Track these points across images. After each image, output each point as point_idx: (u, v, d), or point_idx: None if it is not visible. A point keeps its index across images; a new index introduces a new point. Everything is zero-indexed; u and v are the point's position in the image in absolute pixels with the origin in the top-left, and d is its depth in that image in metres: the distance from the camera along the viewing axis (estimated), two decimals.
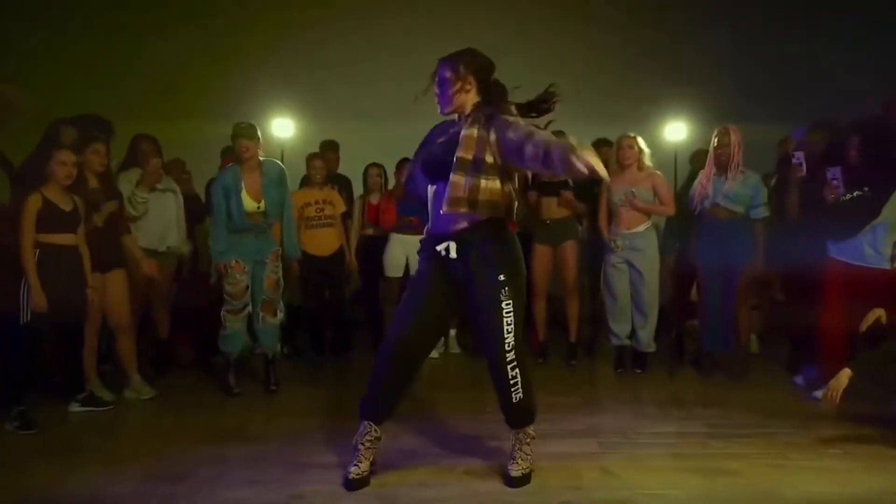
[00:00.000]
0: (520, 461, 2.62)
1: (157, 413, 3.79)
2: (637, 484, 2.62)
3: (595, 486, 2.61)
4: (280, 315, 4.21)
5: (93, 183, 3.78)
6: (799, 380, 4.18)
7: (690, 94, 5.92)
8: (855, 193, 3.73)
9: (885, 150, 3.72)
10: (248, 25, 6.61)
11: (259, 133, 4.07)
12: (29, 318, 3.34)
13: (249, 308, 4.06)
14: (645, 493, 2.53)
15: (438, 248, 2.53)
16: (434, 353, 5.21)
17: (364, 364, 4.79)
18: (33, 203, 3.37)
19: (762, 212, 4.37)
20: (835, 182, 3.74)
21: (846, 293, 3.71)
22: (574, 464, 2.83)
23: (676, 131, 5.89)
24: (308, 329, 5.34)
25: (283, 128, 5.66)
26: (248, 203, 3.96)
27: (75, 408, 3.62)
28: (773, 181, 4.76)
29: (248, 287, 4.03)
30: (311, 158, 5.19)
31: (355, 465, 2.57)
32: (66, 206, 3.50)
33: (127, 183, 4.14)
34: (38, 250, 3.38)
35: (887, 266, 3.62)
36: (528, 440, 2.66)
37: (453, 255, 2.52)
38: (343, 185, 5.56)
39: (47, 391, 3.66)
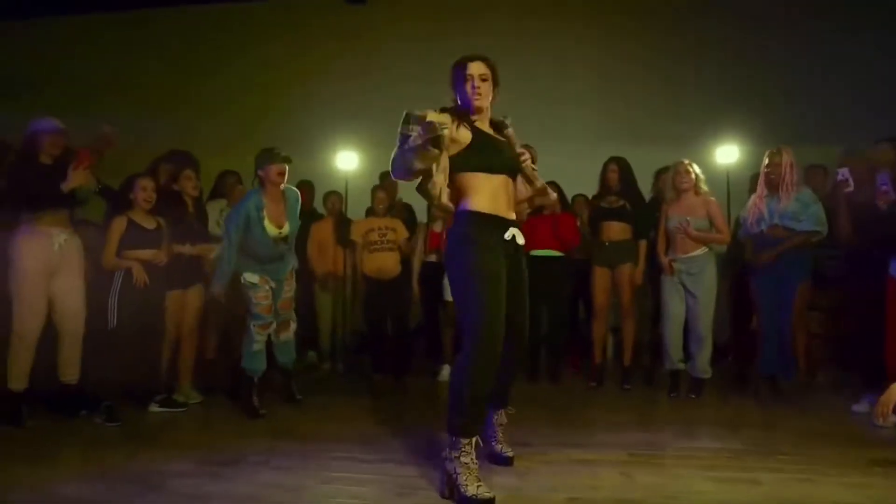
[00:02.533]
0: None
1: (217, 415, 4.12)
2: (652, 487, 2.64)
3: (609, 487, 2.65)
4: (293, 326, 4.33)
5: (191, 207, 4.35)
6: (859, 407, 4.00)
7: (742, 116, 5.84)
8: None
9: None
10: (308, 51, 7.13)
11: None
12: (115, 323, 3.81)
13: (275, 324, 4.17)
14: (658, 495, 2.55)
15: (507, 235, 2.68)
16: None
17: (423, 386, 5.08)
18: (120, 224, 3.92)
19: (808, 225, 4.27)
20: (884, 187, 3.63)
21: None
22: (597, 468, 2.88)
23: (728, 154, 5.79)
24: (370, 351, 5.63)
25: (347, 160, 6.07)
26: (271, 229, 4.00)
27: (154, 408, 4.04)
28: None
29: (272, 301, 4.11)
30: (374, 190, 5.58)
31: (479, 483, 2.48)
32: (150, 225, 4.02)
33: (213, 211, 4.68)
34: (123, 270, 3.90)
35: None
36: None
37: (521, 241, 2.75)
38: (406, 213, 5.88)
39: (131, 393, 4.09)
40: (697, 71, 6.48)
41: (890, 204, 3.68)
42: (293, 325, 4.34)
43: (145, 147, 4.94)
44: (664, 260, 4.70)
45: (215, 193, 4.93)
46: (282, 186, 4.07)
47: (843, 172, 3.99)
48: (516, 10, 6.74)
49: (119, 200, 4.11)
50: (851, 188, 3.84)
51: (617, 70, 6.59)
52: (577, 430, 3.63)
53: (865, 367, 4.14)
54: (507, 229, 2.70)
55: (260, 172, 4.02)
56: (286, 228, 4.10)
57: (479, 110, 2.75)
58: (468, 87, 2.71)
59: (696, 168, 4.66)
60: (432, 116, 2.54)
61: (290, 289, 4.26)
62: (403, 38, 6.89)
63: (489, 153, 2.71)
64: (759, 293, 4.47)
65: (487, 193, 2.67)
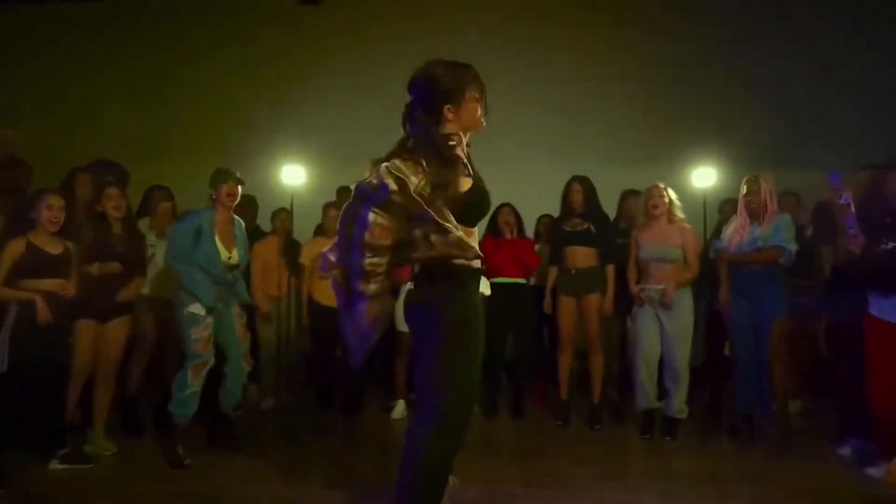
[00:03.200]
0: None
1: (132, 470, 3.56)
2: None
3: None
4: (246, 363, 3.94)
5: (116, 229, 3.77)
6: (845, 451, 3.73)
7: (720, 138, 5.56)
8: (890, 245, 3.33)
9: None
10: (254, 69, 6.61)
11: None
12: (6, 366, 3.23)
13: (212, 362, 3.70)
14: None
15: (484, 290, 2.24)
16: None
17: (375, 424, 4.62)
18: (15, 248, 3.34)
19: (784, 243, 4.00)
20: (851, 230, 3.39)
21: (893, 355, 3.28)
22: None
23: (705, 176, 5.48)
24: (316, 384, 5.13)
25: (293, 175, 5.55)
26: (222, 251, 3.71)
27: (55, 465, 3.45)
28: (810, 231, 4.43)
29: (211, 336, 3.69)
30: (327, 207, 5.12)
31: None
32: (55, 250, 3.44)
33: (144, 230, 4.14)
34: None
35: None
36: None
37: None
38: None
39: (25, 446, 3.49)
40: (672, 90, 6.18)
41: (862, 247, 3.40)
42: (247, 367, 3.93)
43: (73, 157, 4.44)
44: (635, 290, 4.36)
45: (142, 211, 4.35)
46: (231, 210, 3.82)
47: (846, 196, 3.71)
48: (484, 14, 6.33)
49: (19, 220, 3.52)
50: (853, 213, 3.54)
51: (588, 86, 6.25)
52: (540, 489, 3.21)
53: (846, 407, 3.88)
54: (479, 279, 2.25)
55: (212, 192, 3.77)
56: (235, 255, 3.81)
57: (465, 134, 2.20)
58: (479, 110, 2.16)
59: (672, 193, 4.36)
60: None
61: (240, 314, 3.90)
62: (360, 42, 6.40)
63: (486, 202, 2.18)
64: (735, 328, 4.19)
65: (475, 242, 2.18)
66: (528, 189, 5.11)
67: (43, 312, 3.35)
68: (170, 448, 3.56)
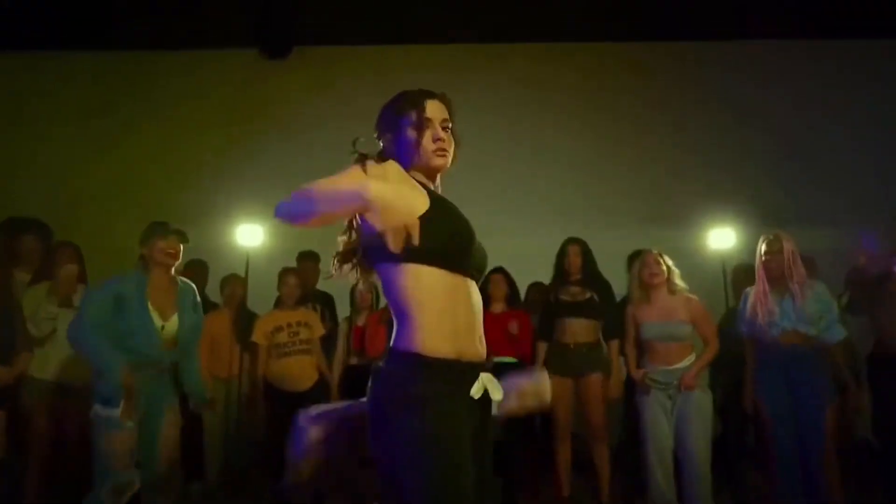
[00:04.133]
0: None
1: None
2: None
3: None
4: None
5: None
6: None
7: (733, 192, 5.12)
8: None
9: None
10: (208, 124, 6.09)
11: None
12: None
13: (137, 484, 2.86)
14: None
15: (475, 392, 1.63)
16: None
17: None
18: None
19: (840, 332, 3.48)
20: None
21: None
22: None
23: (723, 238, 4.90)
24: (271, 484, 4.35)
25: (249, 235, 4.92)
26: (156, 317, 2.94)
27: None
28: (845, 300, 3.91)
29: (134, 448, 2.84)
30: (284, 274, 4.46)
31: None
32: None
33: (33, 298, 3.37)
34: None
35: None
36: None
37: (497, 396, 1.67)
38: (324, 303, 4.77)
39: None
40: (685, 147, 5.76)
41: None
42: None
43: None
44: (638, 375, 3.77)
45: (40, 275, 3.58)
46: (172, 271, 3.06)
47: None
48: (464, 65, 5.92)
49: None
50: None
51: (594, 145, 5.82)
52: None
53: None
54: (475, 378, 1.63)
55: (143, 251, 3.02)
56: (173, 322, 3.00)
57: (437, 172, 1.79)
58: (426, 138, 1.74)
59: (668, 259, 3.83)
60: (375, 185, 1.54)
61: (173, 423, 3.01)
62: (326, 98, 5.93)
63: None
64: (775, 422, 3.54)
65: (447, 312, 1.60)
66: (522, 253, 4.54)
67: None
68: None
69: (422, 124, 1.73)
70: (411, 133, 1.74)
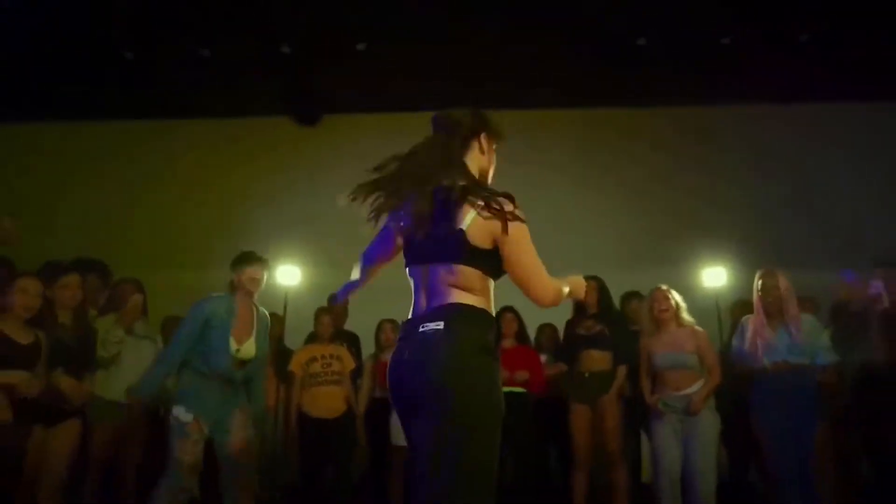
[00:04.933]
0: None
1: None
2: None
3: None
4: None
5: (64, 318, 3.41)
6: None
7: (730, 233, 5.54)
8: None
9: None
10: (251, 170, 6.63)
11: None
12: None
13: (193, 492, 3.20)
14: None
15: None
16: None
17: None
18: None
19: (830, 356, 3.82)
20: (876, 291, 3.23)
21: None
22: None
23: (716, 276, 5.33)
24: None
25: (288, 275, 5.33)
26: (232, 343, 3.31)
27: None
28: (829, 332, 4.23)
29: (199, 461, 3.19)
30: (319, 313, 4.86)
31: None
32: (24, 340, 3.11)
33: (102, 325, 3.78)
34: None
35: None
36: None
37: None
38: (351, 342, 5.13)
39: None
40: (679, 189, 6.25)
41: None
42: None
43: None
44: (653, 401, 4.05)
45: (108, 306, 4.02)
46: (255, 297, 3.49)
47: (877, 286, 3.61)
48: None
49: None
50: (886, 304, 3.37)
51: (590, 188, 6.31)
52: None
53: None
54: None
55: (234, 277, 3.47)
56: (248, 348, 3.37)
57: None
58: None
59: (676, 295, 4.17)
60: None
61: (242, 426, 3.33)
62: (356, 158, 6.45)
63: None
64: (772, 436, 3.82)
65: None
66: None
67: (2, 414, 2.95)
68: None
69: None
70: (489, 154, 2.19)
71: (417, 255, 1.97)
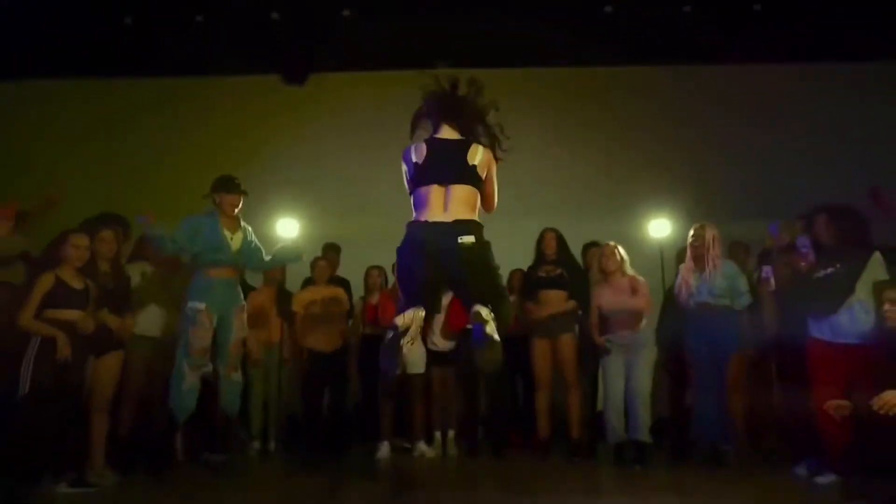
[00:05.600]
0: None
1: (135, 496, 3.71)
2: None
3: None
4: (239, 372, 4.20)
5: (104, 267, 4.03)
6: (800, 469, 4.03)
7: (674, 189, 6.14)
8: (827, 270, 3.83)
9: (852, 226, 3.85)
10: (251, 126, 7.16)
11: None
12: (28, 388, 3.46)
13: (209, 368, 4.00)
14: None
15: None
16: (431, 452, 5.18)
17: (361, 464, 4.83)
18: (46, 281, 3.62)
19: (745, 300, 4.51)
20: (804, 250, 3.87)
21: (834, 372, 3.71)
22: None
23: (660, 227, 6.07)
24: (305, 430, 5.34)
25: (287, 228, 5.96)
26: (226, 234, 4.04)
27: (63, 488, 3.61)
28: (756, 276, 4.90)
29: (209, 345, 3.96)
30: (316, 260, 5.50)
31: None
32: (78, 286, 3.74)
33: (134, 273, 4.40)
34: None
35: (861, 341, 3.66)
36: None
37: None
38: (343, 286, 5.77)
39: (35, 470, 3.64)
40: (629, 145, 6.87)
41: (810, 265, 3.89)
42: (238, 371, 4.17)
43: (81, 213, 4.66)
44: (601, 341, 4.75)
45: (135, 256, 4.62)
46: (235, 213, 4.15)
47: (767, 271, 4.21)
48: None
49: (43, 262, 3.81)
50: (773, 288, 4.05)
51: (548, 144, 6.87)
52: None
53: (797, 428, 4.23)
54: None
55: (215, 197, 4.11)
56: (238, 237, 4.11)
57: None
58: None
59: (622, 250, 4.82)
60: None
61: (240, 328, 4.15)
62: (346, 115, 6.99)
63: None
64: (695, 363, 4.59)
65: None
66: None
67: (64, 349, 3.57)
68: (165, 443, 3.86)
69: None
70: None
71: (436, 177, 2.87)
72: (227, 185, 4.11)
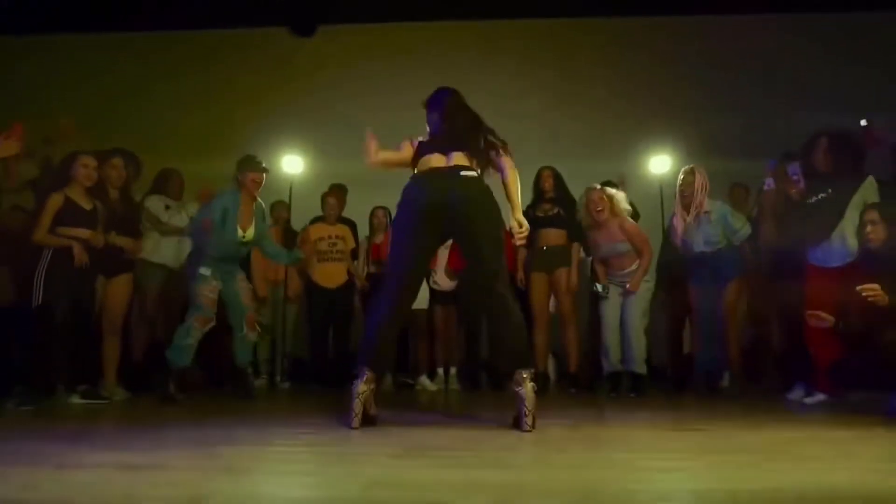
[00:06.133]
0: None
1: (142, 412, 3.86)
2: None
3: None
4: (255, 332, 4.37)
5: (113, 194, 4.18)
6: (793, 395, 4.09)
7: (675, 126, 6.12)
8: (819, 196, 3.85)
9: (850, 153, 3.86)
10: (254, 77, 7.28)
11: None
12: (41, 299, 3.62)
13: (213, 322, 4.13)
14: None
15: None
16: (433, 387, 5.33)
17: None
18: (56, 200, 3.76)
19: (743, 234, 4.57)
20: (795, 177, 3.90)
21: (825, 294, 3.74)
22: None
23: (661, 164, 6.08)
24: (312, 364, 5.50)
25: (292, 164, 6.07)
26: (238, 232, 4.18)
27: (76, 399, 3.80)
28: (755, 212, 4.93)
29: (215, 299, 4.14)
30: (325, 196, 5.61)
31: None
32: (87, 206, 3.89)
33: (154, 204, 4.64)
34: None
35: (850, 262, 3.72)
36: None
37: None
38: (350, 227, 5.88)
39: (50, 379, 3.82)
40: (631, 82, 6.87)
41: (801, 193, 3.92)
42: (257, 330, 4.38)
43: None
44: (605, 282, 4.84)
45: (157, 189, 4.82)
46: (256, 195, 4.26)
47: (769, 182, 4.26)
48: (463, 42, 7.09)
49: (53, 183, 3.96)
50: (797, 163, 4.01)
51: (542, 79, 6.92)
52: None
53: (792, 357, 4.30)
54: None
55: (239, 177, 4.19)
56: (249, 233, 4.24)
57: None
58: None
59: (609, 190, 4.80)
60: None
61: (245, 287, 4.32)
62: (350, 64, 7.06)
63: None
64: (696, 293, 4.70)
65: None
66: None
67: (80, 256, 3.75)
68: (163, 386, 3.93)
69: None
70: None
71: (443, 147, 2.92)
72: (251, 163, 4.21)
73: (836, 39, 6.54)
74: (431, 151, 2.91)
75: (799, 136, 4.24)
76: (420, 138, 3.02)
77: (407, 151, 2.95)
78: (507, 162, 2.90)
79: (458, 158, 2.87)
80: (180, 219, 4.68)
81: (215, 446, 2.27)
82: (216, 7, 7.06)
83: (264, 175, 4.26)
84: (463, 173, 2.81)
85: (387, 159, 2.96)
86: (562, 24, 7.13)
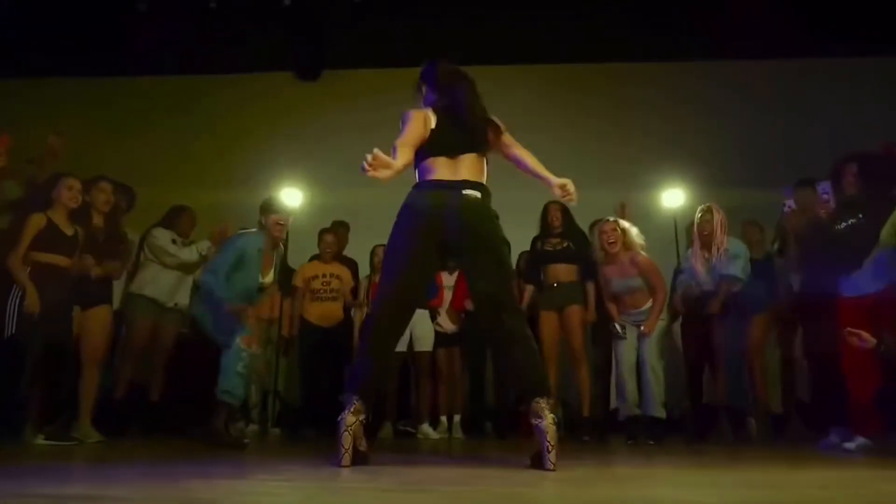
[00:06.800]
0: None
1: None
2: None
3: None
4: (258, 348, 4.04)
5: (97, 220, 3.94)
6: (827, 442, 3.71)
7: (689, 159, 5.99)
8: (850, 221, 3.63)
9: (881, 178, 3.66)
10: (259, 94, 7.21)
11: None
12: (14, 330, 3.34)
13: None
14: None
15: None
16: (435, 435, 4.99)
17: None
18: (38, 220, 3.53)
19: (733, 270, 4.40)
20: (825, 195, 3.68)
21: (863, 323, 3.44)
22: None
23: (674, 197, 5.85)
24: (306, 408, 5.15)
25: (291, 197, 5.87)
26: (260, 277, 3.89)
27: (40, 440, 3.46)
28: (776, 246, 4.72)
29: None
30: (323, 233, 5.35)
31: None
32: (68, 231, 3.65)
33: (162, 237, 4.45)
34: (29, 267, 3.47)
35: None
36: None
37: None
38: (349, 266, 5.63)
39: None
40: (644, 114, 6.75)
41: (829, 213, 3.69)
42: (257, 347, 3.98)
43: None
44: (619, 320, 4.57)
45: (166, 223, 4.64)
46: (279, 239, 4.00)
47: (790, 203, 4.08)
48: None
49: (34, 203, 3.74)
50: (828, 182, 3.84)
51: (556, 113, 6.79)
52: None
53: (829, 400, 3.96)
54: None
55: (262, 219, 3.90)
56: (269, 278, 3.97)
57: None
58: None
59: (623, 223, 4.58)
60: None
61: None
62: (354, 108, 6.95)
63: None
64: (718, 331, 4.46)
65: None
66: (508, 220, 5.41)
67: (32, 305, 3.42)
68: (220, 430, 3.49)
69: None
70: None
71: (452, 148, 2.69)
72: (274, 206, 3.95)
73: (862, 82, 6.53)
74: (440, 151, 2.66)
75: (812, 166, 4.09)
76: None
77: (408, 157, 2.66)
78: (510, 140, 2.84)
79: (468, 167, 2.66)
80: (189, 252, 4.46)
81: (180, 480, 1.95)
82: (229, 54, 7.09)
83: (290, 218, 4.00)
84: (465, 192, 2.59)
85: (406, 163, 2.62)
86: (575, 67, 7.11)
